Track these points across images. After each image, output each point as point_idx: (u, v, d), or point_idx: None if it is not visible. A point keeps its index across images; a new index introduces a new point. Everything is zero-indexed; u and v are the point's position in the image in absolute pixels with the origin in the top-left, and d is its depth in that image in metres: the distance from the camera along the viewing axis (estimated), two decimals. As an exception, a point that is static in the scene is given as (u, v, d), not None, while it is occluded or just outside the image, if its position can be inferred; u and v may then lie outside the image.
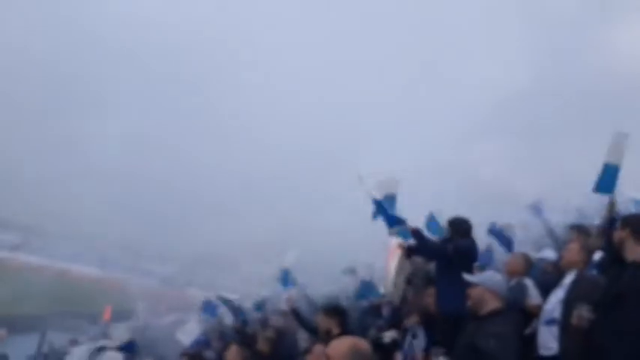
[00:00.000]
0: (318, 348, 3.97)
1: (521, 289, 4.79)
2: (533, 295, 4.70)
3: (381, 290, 5.79)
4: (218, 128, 40.34)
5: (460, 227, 5.26)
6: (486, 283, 3.81)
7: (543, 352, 4.27)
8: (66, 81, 40.85)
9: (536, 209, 9.12)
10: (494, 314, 3.72)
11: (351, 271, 10.71)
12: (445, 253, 5.01)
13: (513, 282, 5.05)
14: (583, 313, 3.72)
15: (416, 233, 5.10)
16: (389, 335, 5.69)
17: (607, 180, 4.82)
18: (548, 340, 4.25)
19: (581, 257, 4.54)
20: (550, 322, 4.29)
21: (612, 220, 4.71)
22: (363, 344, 2.60)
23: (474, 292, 3.80)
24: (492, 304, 3.76)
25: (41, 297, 30.22)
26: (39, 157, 40.12)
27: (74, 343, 17.86)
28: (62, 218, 41.14)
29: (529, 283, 4.87)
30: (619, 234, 3.74)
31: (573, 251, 4.55)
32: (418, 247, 5.59)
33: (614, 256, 4.02)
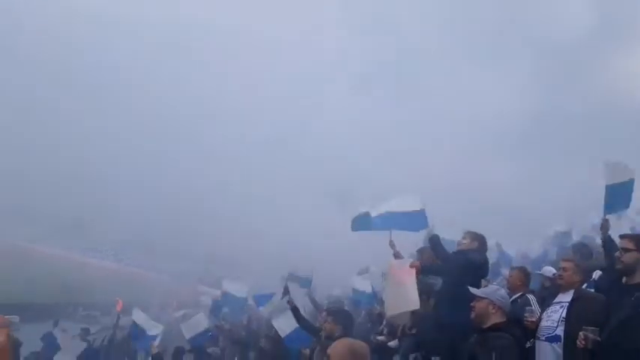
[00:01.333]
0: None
1: (525, 304, 4.85)
2: (535, 310, 4.75)
3: (391, 311, 5.86)
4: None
5: (477, 241, 5.36)
6: (491, 296, 3.87)
7: None
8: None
9: None
10: (498, 328, 3.78)
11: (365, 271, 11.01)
12: (458, 263, 5.10)
13: (516, 296, 5.12)
14: (589, 334, 3.75)
15: (434, 239, 5.27)
16: (392, 343, 5.93)
17: None
18: (549, 357, 4.29)
19: (579, 277, 4.59)
20: (552, 339, 4.33)
21: (607, 241, 4.93)
22: (361, 346, 2.72)
23: (478, 306, 3.86)
24: (496, 317, 3.82)
25: (56, 287, 30.79)
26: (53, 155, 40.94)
27: (86, 332, 18.17)
28: (82, 215, 41.97)
29: (532, 298, 4.93)
30: (636, 256, 3.69)
31: (570, 271, 4.59)
32: (431, 265, 5.73)
33: (615, 276, 4.05)
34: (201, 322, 10.97)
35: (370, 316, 8.21)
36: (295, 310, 6.88)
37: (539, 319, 4.46)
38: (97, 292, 30.98)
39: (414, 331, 5.64)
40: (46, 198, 40.87)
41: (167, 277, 38.46)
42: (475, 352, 3.65)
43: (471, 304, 3.91)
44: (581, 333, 3.78)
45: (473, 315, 3.88)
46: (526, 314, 4.49)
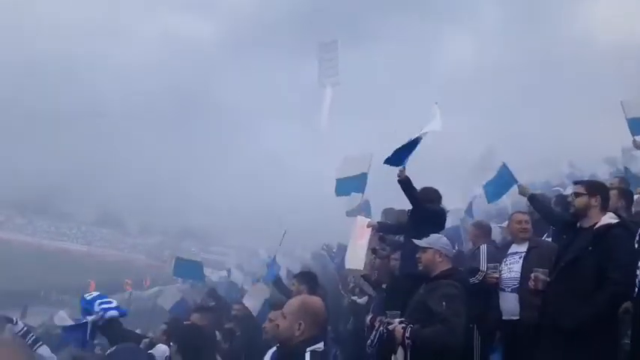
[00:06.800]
0: (274, 314, 4.07)
1: (474, 256, 4.99)
2: (483, 262, 4.86)
3: (347, 265, 5.96)
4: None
5: (431, 195, 5.35)
6: (435, 245, 3.93)
7: (510, 317, 4.43)
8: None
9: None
10: (445, 276, 3.84)
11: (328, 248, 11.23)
12: (421, 207, 5.06)
13: (474, 249, 5.24)
14: (539, 275, 3.86)
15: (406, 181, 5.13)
16: (361, 300, 6.10)
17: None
18: (515, 306, 4.40)
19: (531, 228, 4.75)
20: (516, 290, 4.43)
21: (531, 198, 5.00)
22: (315, 301, 2.70)
23: (424, 256, 3.92)
24: (442, 265, 3.89)
25: (25, 273, 30.16)
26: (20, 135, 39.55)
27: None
28: (45, 195, 40.93)
29: (482, 250, 5.03)
30: (586, 200, 3.78)
31: (528, 224, 4.72)
32: (388, 228, 5.73)
33: (566, 222, 4.15)
34: (175, 293, 10.93)
35: (341, 278, 8.30)
36: (277, 281, 7.42)
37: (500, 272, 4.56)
38: (69, 275, 30.53)
39: (384, 286, 5.69)
40: (7, 183, 39.55)
41: (139, 255, 38.18)
42: (425, 301, 3.71)
43: (417, 255, 3.95)
44: (532, 275, 3.89)
45: (420, 266, 3.93)
46: (489, 271, 4.54)
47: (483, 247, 4.96)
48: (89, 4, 44.85)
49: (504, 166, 5.53)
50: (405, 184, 4.95)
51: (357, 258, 5.56)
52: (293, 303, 2.66)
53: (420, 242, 3.98)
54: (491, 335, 4.60)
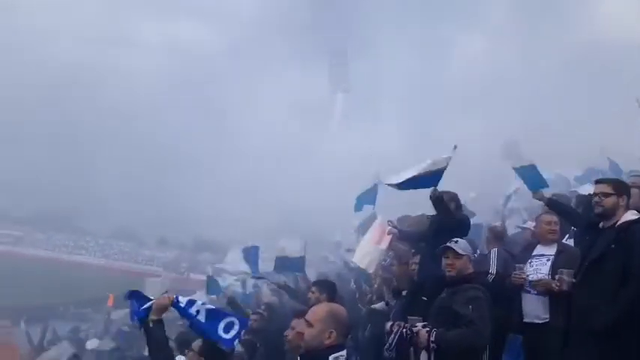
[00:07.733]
0: (296, 322, 4.04)
1: (483, 260, 4.99)
2: (492, 264, 4.87)
3: (354, 259, 5.95)
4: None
5: (454, 201, 5.33)
6: (468, 251, 3.94)
7: (534, 320, 4.35)
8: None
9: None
10: (468, 280, 3.85)
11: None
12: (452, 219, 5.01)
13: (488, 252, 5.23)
14: (564, 277, 3.81)
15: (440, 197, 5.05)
16: (379, 305, 6.00)
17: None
18: (539, 309, 4.33)
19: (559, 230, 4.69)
20: (541, 292, 4.35)
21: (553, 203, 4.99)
22: (341, 310, 2.69)
23: (459, 263, 3.87)
24: (468, 270, 3.90)
25: (44, 288, 30.52)
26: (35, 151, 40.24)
27: (76, 330, 18.13)
28: (64, 211, 41.56)
29: (493, 253, 5.03)
30: (614, 200, 3.69)
31: (557, 226, 4.65)
32: (409, 235, 5.69)
33: (588, 223, 4.10)
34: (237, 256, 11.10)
35: (358, 286, 8.25)
36: (286, 286, 7.43)
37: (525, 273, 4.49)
38: (88, 289, 30.80)
39: (404, 293, 5.66)
40: (27, 200, 40.29)
41: (156, 268, 38.40)
42: (449, 305, 3.71)
43: (447, 262, 3.90)
44: (556, 276, 3.84)
45: (453, 272, 3.88)
46: (516, 272, 4.45)
47: (494, 251, 4.94)
48: (91, 13, 45.67)
49: (534, 167, 5.40)
50: (439, 200, 4.88)
51: (368, 258, 5.55)
52: (320, 311, 2.62)
53: (457, 248, 3.94)
54: (503, 337, 4.54)
